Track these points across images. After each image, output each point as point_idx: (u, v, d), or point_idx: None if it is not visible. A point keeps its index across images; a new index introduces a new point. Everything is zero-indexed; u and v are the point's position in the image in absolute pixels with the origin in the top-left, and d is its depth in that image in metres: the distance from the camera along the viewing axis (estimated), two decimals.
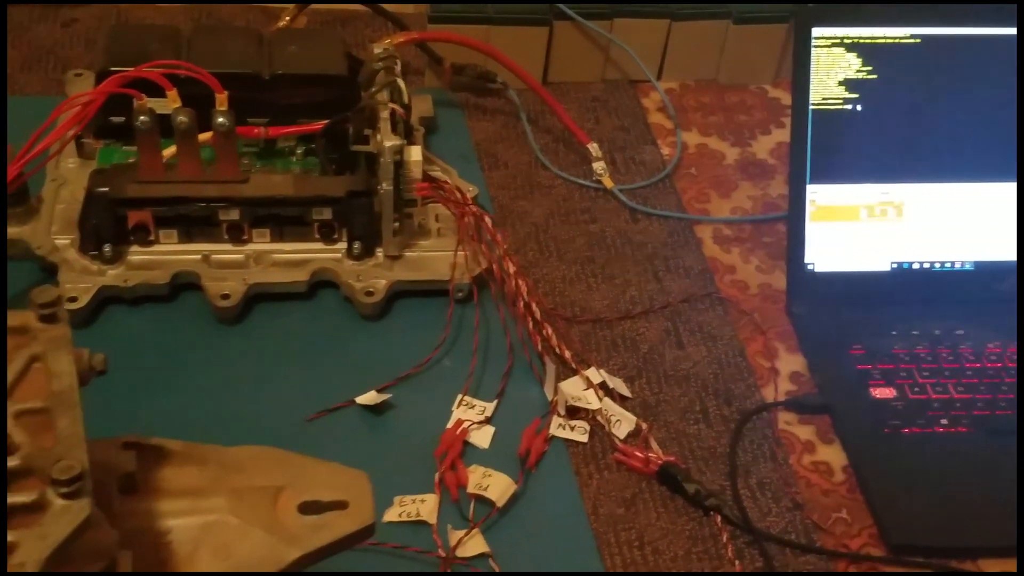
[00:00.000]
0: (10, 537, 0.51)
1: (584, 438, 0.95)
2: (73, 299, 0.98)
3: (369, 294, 1.02)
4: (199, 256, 1.03)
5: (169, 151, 0.99)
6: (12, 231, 1.01)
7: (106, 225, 0.99)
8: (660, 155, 1.26)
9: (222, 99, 0.97)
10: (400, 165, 1.00)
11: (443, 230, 1.08)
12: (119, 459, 0.62)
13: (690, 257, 1.13)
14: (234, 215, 1.01)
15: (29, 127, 1.08)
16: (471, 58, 1.27)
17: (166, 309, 1.02)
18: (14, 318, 0.63)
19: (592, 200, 1.19)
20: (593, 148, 1.21)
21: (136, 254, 1.02)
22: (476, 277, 1.04)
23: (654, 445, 0.94)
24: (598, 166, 1.20)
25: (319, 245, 1.05)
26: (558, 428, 0.96)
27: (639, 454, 0.94)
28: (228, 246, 1.03)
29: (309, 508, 0.67)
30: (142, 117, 0.96)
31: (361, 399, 0.96)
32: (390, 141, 0.98)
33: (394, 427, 0.95)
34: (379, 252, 1.05)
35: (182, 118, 0.96)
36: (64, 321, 0.63)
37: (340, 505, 0.67)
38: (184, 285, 1.03)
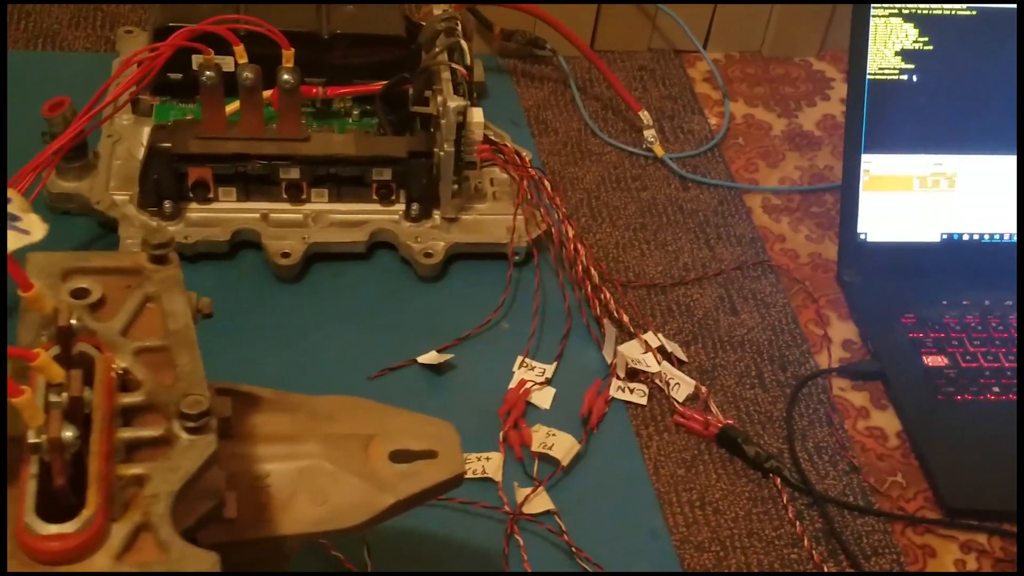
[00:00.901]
0: (140, 469, 0.52)
1: (643, 401, 0.96)
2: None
3: (428, 255, 1.03)
4: (258, 214, 1.03)
5: (231, 107, 1.00)
6: (70, 186, 1.01)
7: (167, 181, 1.00)
8: (708, 125, 1.26)
9: (288, 56, 0.97)
10: (462, 126, 1.00)
11: (498, 194, 1.09)
12: (214, 404, 0.63)
13: (741, 226, 1.14)
14: (294, 174, 1.02)
15: (81, 83, 1.10)
16: (520, 24, 1.27)
17: (225, 266, 1.02)
18: (126, 259, 0.63)
19: (642, 168, 1.20)
20: (644, 116, 1.21)
21: (195, 211, 1.02)
22: (533, 241, 1.05)
23: (714, 408, 0.95)
24: (649, 134, 1.21)
25: (376, 206, 1.05)
26: (617, 391, 0.97)
27: (698, 417, 0.94)
28: (287, 205, 1.04)
29: (399, 457, 0.67)
30: (208, 72, 0.96)
31: (422, 359, 0.96)
32: (454, 102, 0.98)
33: (455, 387, 0.96)
34: (436, 214, 1.05)
35: (248, 74, 0.96)
36: (175, 263, 0.64)
37: (429, 454, 0.68)
38: (242, 243, 1.03)
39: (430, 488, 0.67)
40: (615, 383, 0.97)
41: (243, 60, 0.96)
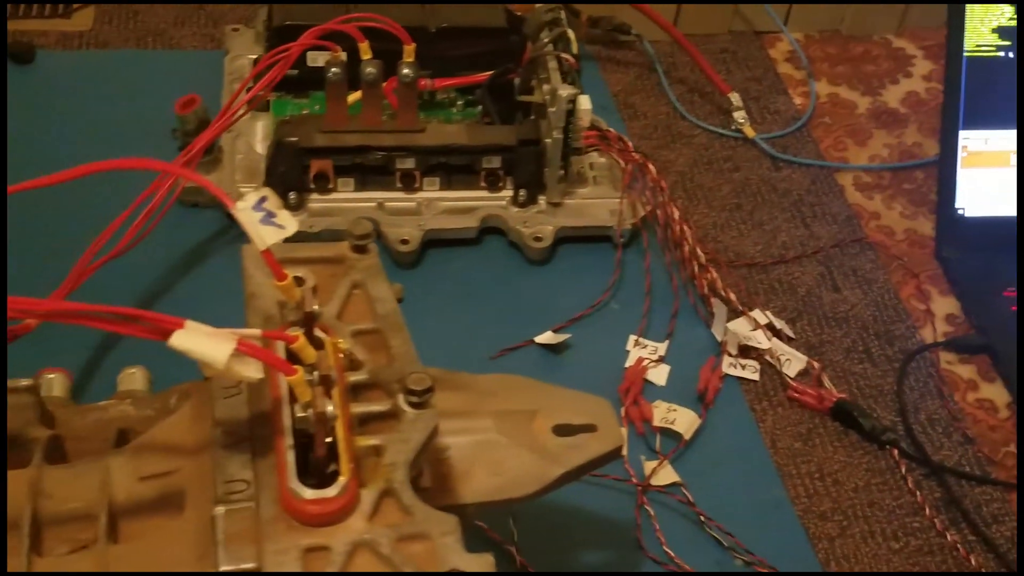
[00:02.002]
0: (375, 440, 0.56)
1: (756, 376, 1.00)
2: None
3: (537, 239, 1.06)
4: (374, 204, 1.07)
5: (352, 97, 1.03)
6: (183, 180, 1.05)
7: (292, 173, 1.03)
8: (793, 105, 1.29)
9: (409, 51, 1.01)
10: (571, 114, 1.03)
11: (599, 178, 1.12)
12: None
13: (835, 204, 1.17)
14: (409, 164, 1.05)
15: (192, 80, 1.13)
16: (604, 11, 1.30)
17: None
18: (330, 249, 0.68)
19: (732, 149, 1.23)
20: (734, 98, 1.24)
21: (316, 202, 1.06)
22: (637, 223, 1.08)
23: (827, 383, 0.98)
24: (739, 115, 1.24)
25: (485, 193, 1.09)
26: (730, 367, 1.00)
27: (812, 392, 0.98)
28: (401, 194, 1.08)
29: (562, 430, 0.71)
30: (334, 69, 0.99)
31: (540, 338, 1.00)
32: (565, 90, 1.02)
33: (573, 365, 1.00)
34: (542, 200, 1.09)
35: (371, 69, 1.00)
36: (374, 252, 0.68)
37: (589, 428, 0.72)
38: None
39: (594, 459, 0.71)
40: (727, 360, 1.00)
41: (367, 56, 0.99)
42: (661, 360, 1.00)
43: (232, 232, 1.05)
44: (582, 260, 1.09)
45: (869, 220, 1.16)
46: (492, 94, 1.12)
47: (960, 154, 1.09)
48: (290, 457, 0.54)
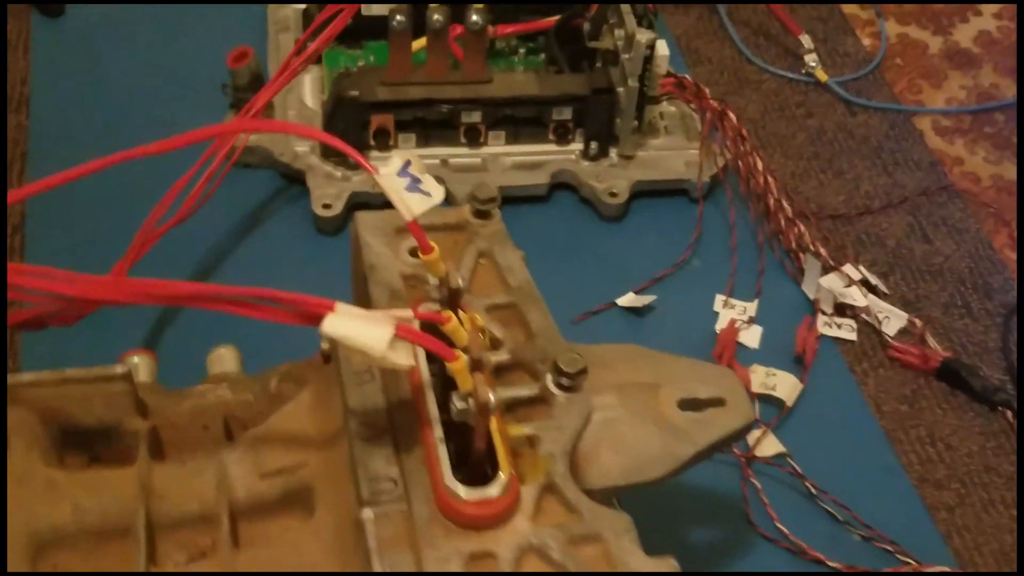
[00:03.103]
0: (528, 429, 0.50)
1: (853, 336, 0.94)
2: (327, 206, 0.96)
3: (612, 195, 1.00)
4: (438, 160, 1.00)
5: (415, 46, 0.97)
6: (252, 138, 0.98)
7: (353, 130, 0.97)
8: (862, 46, 1.23)
9: None
10: (648, 60, 0.97)
11: (671, 128, 1.06)
12: None
13: (916, 150, 1.11)
14: (476, 117, 0.99)
15: (233, 33, 1.07)
16: None
17: None
18: (450, 215, 0.62)
19: (804, 94, 1.16)
20: (805, 39, 1.18)
21: (376, 160, 0.99)
22: (715, 175, 1.02)
23: (931, 341, 0.93)
24: (810, 58, 1.17)
25: (553, 147, 1.03)
26: (824, 327, 0.94)
27: (915, 351, 0.92)
28: (464, 149, 1.01)
29: (688, 405, 0.65)
30: (399, 17, 0.93)
31: (622, 301, 0.94)
32: (643, 34, 0.95)
33: (659, 328, 0.94)
34: (613, 152, 1.03)
35: (437, 16, 0.93)
36: (498, 217, 0.62)
37: (717, 402, 0.66)
38: None
39: (726, 436, 0.65)
40: (821, 319, 0.94)
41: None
42: (752, 321, 0.94)
43: (290, 192, 1.00)
44: (658, 215, 1.03)
45: (952, 166, 1.10)
46: (559, 41, 1.05)
47: None
48: (442, 452, 0.48)
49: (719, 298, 0.96)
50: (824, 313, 0.95)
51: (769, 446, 0.86)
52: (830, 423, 0.89)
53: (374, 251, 0.58)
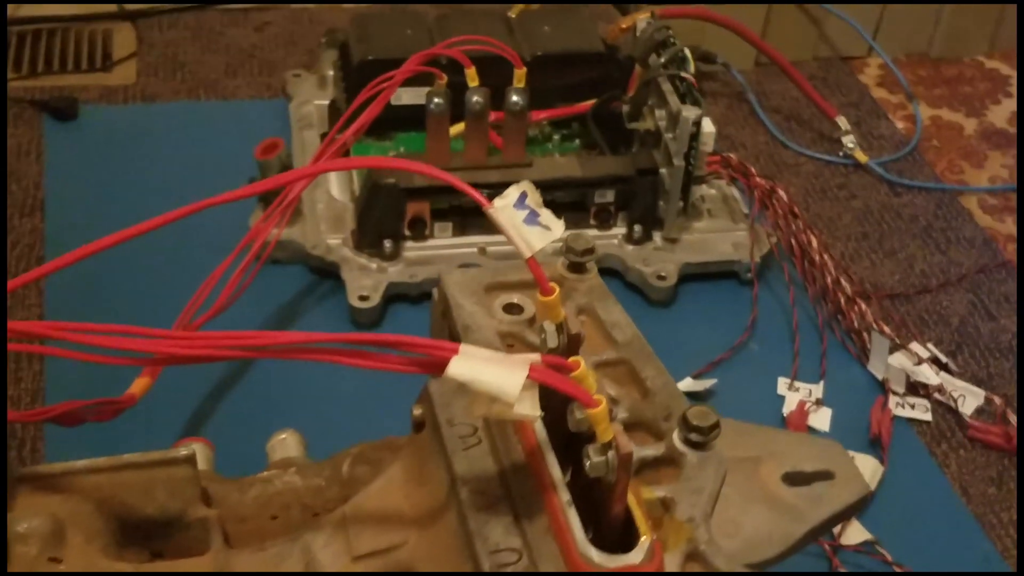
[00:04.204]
0: (659, 492, 0.45)
1: (927, 416, 0.89)
2: (364, 298, 0.90)
3: (661, 278, 0.95)
4: (475, 249, 0.96)
5: (455, 129, 0.92)
6: (283, 233, 0.93)
7: (389, 219, 0.92)
8: (896, 129, 1.20)
9: (520, 75, 0.90)
10: (694, 138, 0.93)
11: (713, 210, 1.02)
12: None
13: (967, 228, 1.07)
14: None
15: (254, 130, 1.03)
16: (688, 40, 1.20)
17: None
18: (550, 269, 0.56)
19: (844, 176, 1.13)
20: (841, 121, 1.15)
21: (411, 250, 0.95)
22: (765, 255, 0.98)
23: (1012, 419, 0.87)
24: (848, 140, 1.14)
25: (594, 231, 0.98)
26: (897, 407, 0.89)
27: (996, 430, 0.87)
28: (500, 237, 0.96)
29: (794, 479, 0.59)
30: (436, 100, 0.89)
31: (682, 385, 0.88)
32: (690, 111, 0.91)
33: (723, 413, 0.87)
34: (657, 236, 0.98)
35: (477, 98, 0.89)
36: (595, 271, 0.56)
37: (825, 475, 0.60)
38: None
39: (840, 512, 0.59)
40: (893, 399, 0.89)
41: (474, 83, 0.88)
42: (820, 403, 0.88)
43: (322, 286, 0.94)
44: (707, 298, 0.98)
45: (1005, 243, 1.06)
46: (597, 124, 1.01)
47: None
48: (572, 516, 0.42)
49: (782, 381, 0.90)
50: (896, 393, 0.89)
51: (855, 534, 0.80)
52: (916, 507, 0.83)
53: (467, 311, 0.52)
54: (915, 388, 0.90)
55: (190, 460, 0.49)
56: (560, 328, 0.47)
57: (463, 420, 0.47)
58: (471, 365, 0.40)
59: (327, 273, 0.94)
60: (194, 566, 0.45)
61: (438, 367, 0.41)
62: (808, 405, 0.88)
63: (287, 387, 0.84)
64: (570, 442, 0.44)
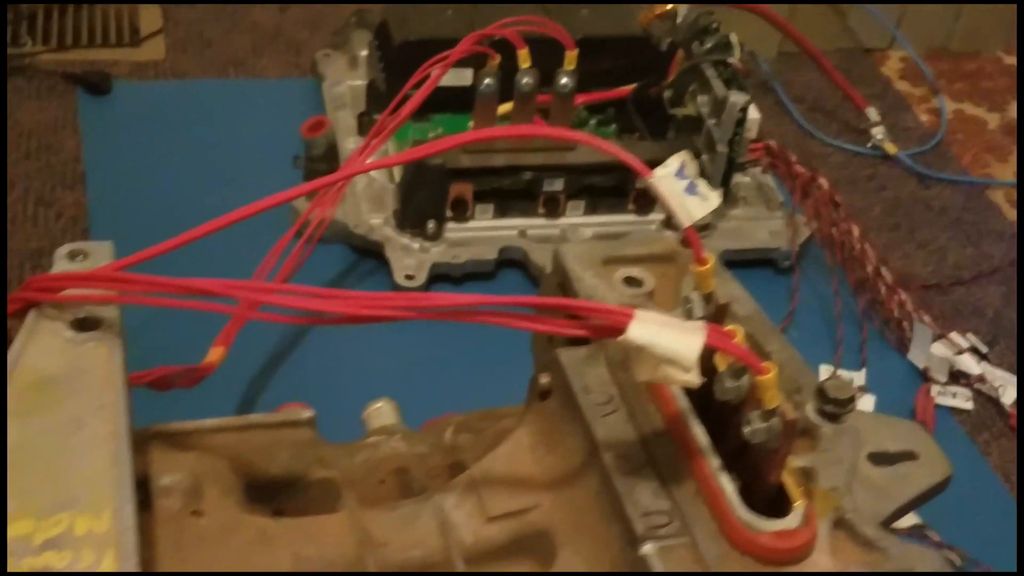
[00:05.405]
0: (803, 462, 0.44)
1: (968, 405, 0.89)
2: (410, 277, 0.90)
3: None
4: (515, 231, 0.96)
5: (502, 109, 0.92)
6: (329, 212, 0.93)
7: (433, 200, 0.92)
8: (920, 122, 1.20)
9: (571, 57, 0.90)
10: (740, 123, 0.93)
11: (748, 198, 1.02)
12: None
13: (996, 221, 1.08)
14: (557, 185, 0.94)
15: (285, 108, 1.03)
16: None
17: (490, 287, 0.94)
18: (657, 245, 0.56)
19: (872, 167, 1.13)
20: (871, 113, 1.15)
21: (453, 231, 0.94)
22: (805, 243, 0.98)
23: None
24: (877, 131, 1.15)
25: (632, 216, 0.98)
26: (939, 396, 0.89)
27: None
28: (542, 220, 0.97)
29: (878, 459, 0.59)
30: (487, 80, 0.88)
31: None
32: (737, 97, 0.91)
33: None
34: None
35: (528, 79, 0.89)
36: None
37: (909, 455, 0.60)
38: (503, 262, 0.95)
39: (926, 491, 0.59)
40: (935, 388, 0.89)
41: (526, 64, 0.88)
42: (863, 391, 0.89)
43: (363, 265, 0.94)
44: (744, 286, 0.97)
45: None
46: (637, 109, 1.01)
47: None
48: (725, 481, 0.42)
49: (824, 368, 0.91)
50: (937, 382, 0.90)
51: (905, 518, 0.80)
52: (961, 494, 0.83)
53: (587, 283, 0.52)
54: (955, 377, 0.90)
55: (311, 423, 0.49)
56: (708, 298, 0.47)
57: (598, 388, 0.47)
58: (650, 329, 0.40)
59: (368, 253, 0.94)
60: (332, 523, 0.45)
61: (611, 331, 0.41)
62: None
63: (327, 360, 0.84)
64: (705, 411, 0.45)
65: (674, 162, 0.45)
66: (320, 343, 0.85)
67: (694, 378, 0.41)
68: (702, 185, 0.45)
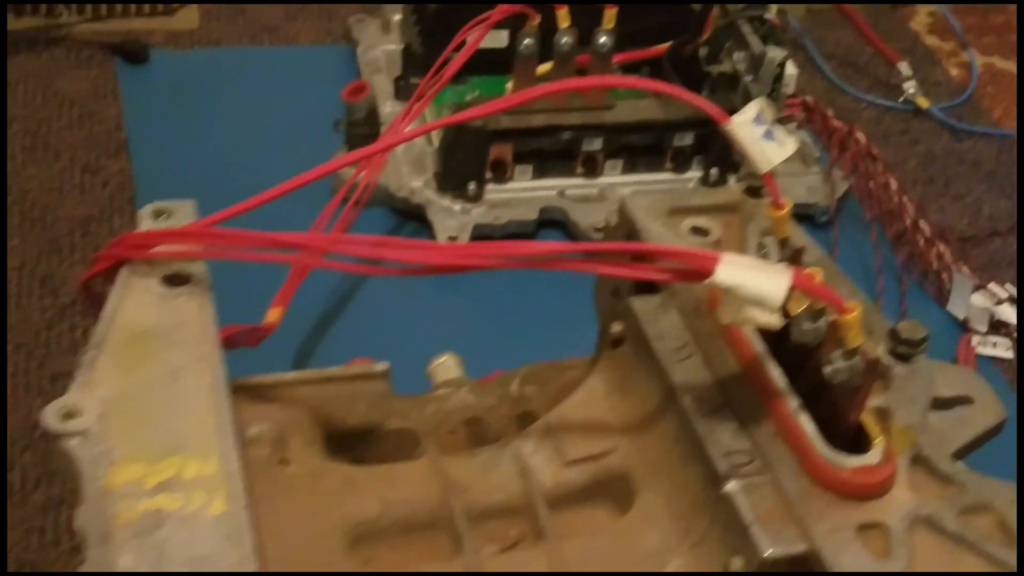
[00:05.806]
0: (878, 401, 0.45)
1: (1009, 354, 0.90)
2: (453, 239, 0.91)
3: None
4: (554, 191, 0.96)
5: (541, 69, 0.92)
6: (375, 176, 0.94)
7: (473, 161, 0.93)
8: (950, 76, 1.21)
9: (611, 15, 0.90)
10: (778, 79, 0.94)
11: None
12: None
13: None
14: (596, 145, 0.95)
15: (320, 75, 1.04)
16: None
17: None
18: (721, 195, 0.57)
19: (905, 122, 1.14)
20: (903, 67, 1.15)
21: (492, 192, 0.95)
22: (842, 197, 0.99)
23: None
24: (910, 85, 1.15)
25: (669, 175, 0.99)
26: (980, 346, 0.90)
27: None
28: (580, 180, 0.97)
29: (935, 404, 0.60)
30: (527, 41, 0.89)
31: None
32: (775, 52, 0.92)
33: None
34: (731, 179, 0.99)
35: (567, 39, 0.89)
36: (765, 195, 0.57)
37: (964, 400, 0.61)
38: (542, 222, 0.96)
39: (981, 434, 0.60)
40: (976, 338, 0.90)
41: (565, 23, 0.89)
42: None
43: (404, 228, 0.95)
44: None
45: None
46: (673, 67, 1.01)
47: None
48: (805, 420, 0.43)
49: None
50: (977, 332, 0.91)
51: None
52: (1003, 444, 0.84)
53: (655, 233, 0.53)
54: (995, 327, 0.91)
55: (385, 375, 0.50)
56: (784, 243, 0.48)
57: (672, 335, 0.48)
58: (737, 271, 0.41)
59: (409, 215, 0.95)
60: (415, 470, 0.46)
61: (697, 275, 0.42)
62: None
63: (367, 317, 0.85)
64: (777, 354, 0.46)
65: (752, 108, 0.46)
66: (373, 301, 0.86)
67: (777, 320, 0.41)
68: (779, 131, 0.46)
